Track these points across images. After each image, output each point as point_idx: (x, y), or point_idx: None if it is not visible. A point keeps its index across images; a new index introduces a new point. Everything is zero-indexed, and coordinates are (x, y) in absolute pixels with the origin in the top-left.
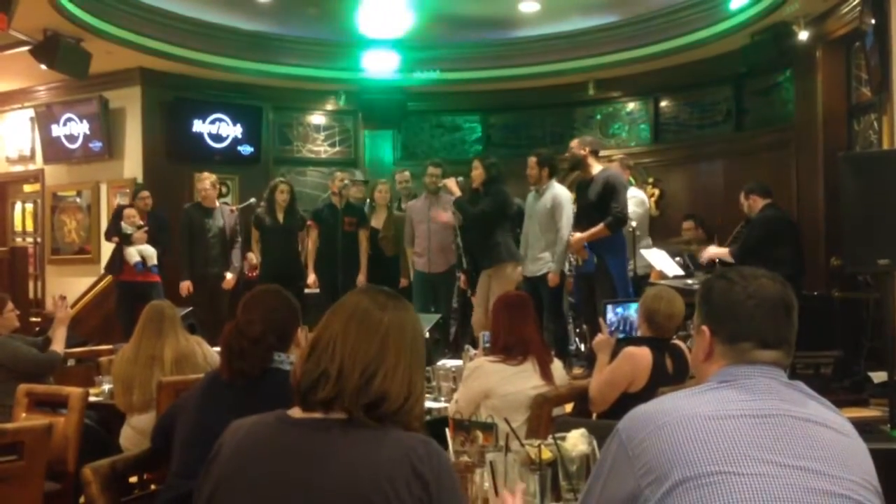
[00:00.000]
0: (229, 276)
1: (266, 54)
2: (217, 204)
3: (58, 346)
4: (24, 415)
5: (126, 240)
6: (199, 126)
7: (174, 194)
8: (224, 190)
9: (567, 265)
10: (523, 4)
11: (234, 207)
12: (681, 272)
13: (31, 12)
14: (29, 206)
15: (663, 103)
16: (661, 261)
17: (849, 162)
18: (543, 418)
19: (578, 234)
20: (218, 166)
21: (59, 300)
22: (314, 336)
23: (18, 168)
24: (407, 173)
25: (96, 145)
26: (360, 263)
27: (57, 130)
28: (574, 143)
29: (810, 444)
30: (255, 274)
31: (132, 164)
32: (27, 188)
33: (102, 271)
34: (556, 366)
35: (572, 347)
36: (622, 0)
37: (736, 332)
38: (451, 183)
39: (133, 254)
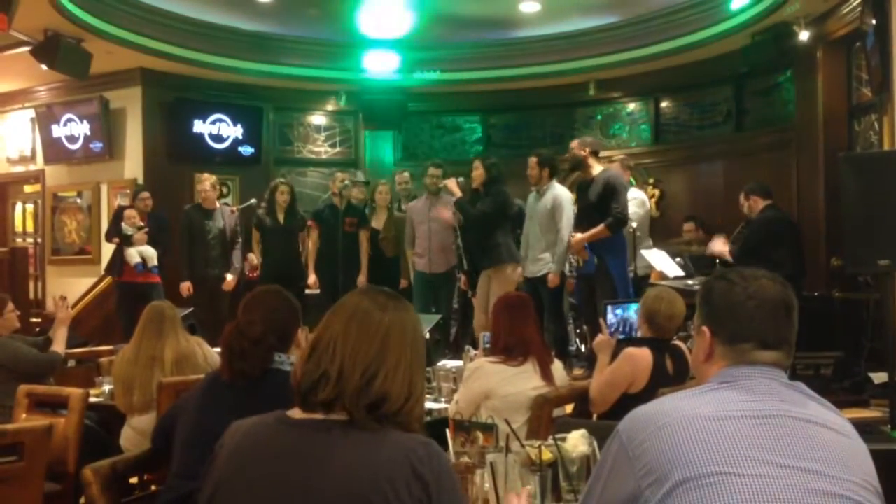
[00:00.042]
0: (229, 277)
1: (267, 54)
2: (217, 205)
3: (58, 346)
4: (24, 415)
5: (126, 241)
6: (199, 126)
7: (175, 195)
8: (224, 191)
9: (568, 266)
10: (524, 5)
11: (234, 208)
12: (681, 273)
13: (32, 12)
14: (29, 207)
15: (664, 104)
16: (661, 261)
17: (849, 162)
18: (544, 419)
19: (579, 235)
20: (218, 167)
21: (59, 300)
22: (314, 337)
23: (19, 168)
24: (406, 174)
25: (97, 146)
26: (361, 264)
27: (57, 131)
28: (574, 143)
29: (811, 444)
30: (255, 274)
31: (133, 164)
32: (28, 188)
33: (103, 272)
34: (557, 367)
35: (572, 348)
36: (622, 0)
37: (736, 333)
38: (452, 183)
39: (133, 255)
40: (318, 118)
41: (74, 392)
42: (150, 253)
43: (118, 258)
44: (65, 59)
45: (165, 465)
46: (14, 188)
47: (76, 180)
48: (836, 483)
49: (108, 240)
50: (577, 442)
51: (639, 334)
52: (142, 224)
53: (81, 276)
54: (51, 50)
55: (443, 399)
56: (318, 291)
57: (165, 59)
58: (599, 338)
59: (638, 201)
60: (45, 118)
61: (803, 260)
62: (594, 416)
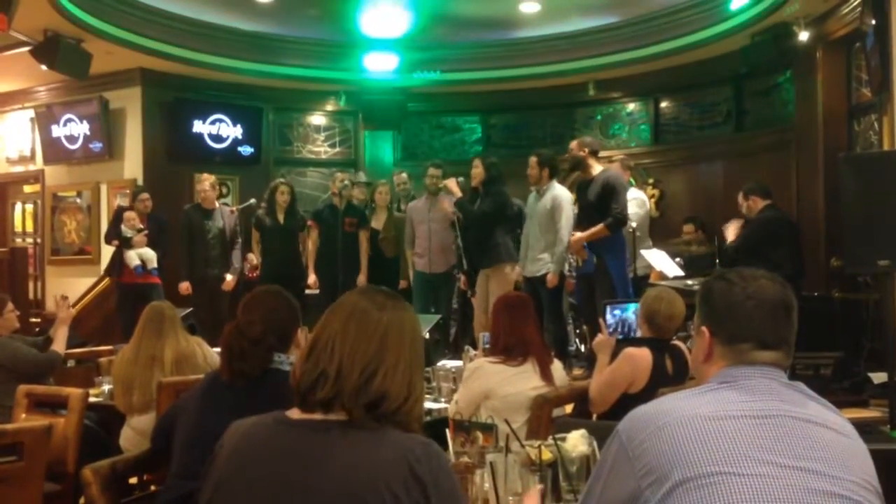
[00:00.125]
0: (229, 277)
1: (266, 55)
2: (217, 205)
3: (58, 346)
4: (23, 415)
5: (126, 243)
6: (199, 127)
7: (174, 195)
8: (224, 191)
9: (567, 266)
10: (523, 5)
11: (233, 208)
12: (681, 273)
13: (32, 13)
14: (29, 207)
15: (663, 104)
16: (661, 261)
17: (849, 163)
18: (543, 419)
19: (578, 234)
20: (218, 167)
21: (61, 300)
22: (313, 336)
23: (19, 168)
24: (404, 175)
25: (96, 146)
26: (361, 264)
27: (57, 131)
28: (573, 144)
29: (810, 444)
30: (255, 275)
31: (132, 164)
32: (27, 189)
33: (102, 273)
34: (556, 366)
35: (572, 348)
36: (622, 0)
37: (735, 333)
38: (452, 183)
39: (133, 257)
40: (317, 118)
41: (74, 392)
42: (150, 255)
43: (118, 259)
44: (65, 60)
45: (165, 465)
46: (14, 188)
47: (76, 180)
48: (836, 483)
49: (108, 242)
50: (576, 442)
51: (638, 334)
52: (141, 227)
53: (81, 276)
54: (51, 50)
55: (442, 399)
56: (317, 291)
57: (165, 59)
58: (599, 338)
59: (638, 201)
60: (45, 118)
61: (803, 260)
62: (594, 416)
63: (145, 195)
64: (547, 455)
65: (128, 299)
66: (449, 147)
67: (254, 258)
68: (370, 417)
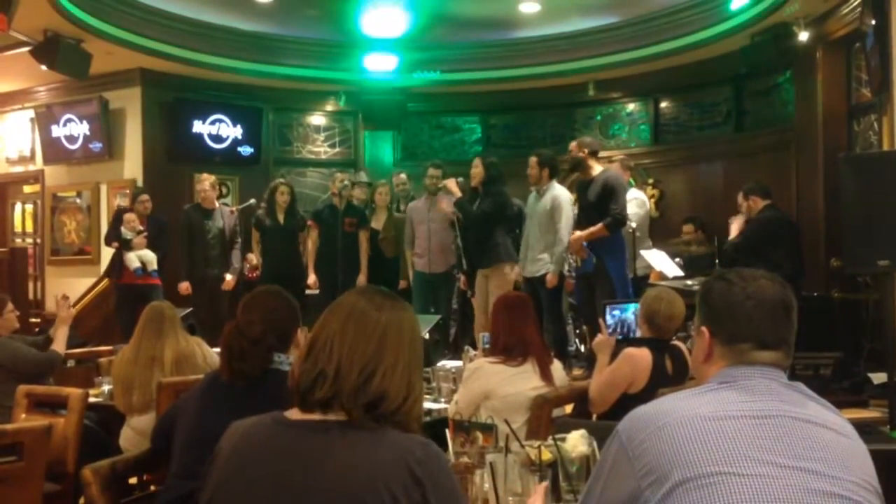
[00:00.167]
0: (229, 277)
1: (266, 55)
2: (216, 205)
3: (59, 345)
4: (23, 415)
5: (126, 245)
6: (199, 127)
7: (174, 195)
8: (224, 191)
9: (567, 266)
10: (523, 5)
11: (233, 208)
12: (680, 273)
13: (32, 13)
14: (29, 207)
15: (663, 104)
16: (660, 262)
17: (849, 163)
18: (543, 419)
19: (577, 233)
20: (218, 167)
21: (61, 299)
22: (311, 336)
23: (18, 169)
24: (403, 175)
25: (96, 146)
26: (361, 264)
27: (57, 131)
28: (573, 145)
29: (810, 444)
30: (255, 275)
31: (132, 164)
32: (27, 189)
33: (102, 274)
34: (556, 367)
35: (572, 348)
36: (622, 1)
37: (735, 334)
38: (452, 184)
39: (133, 259)
40: (317, 118)
41: (74, 392)
42: (150, 257)
43: (118, 261)
44: (64, 60)
45: (165, 465)
46: (13, 188)
47: (75, 180)
48: (836, 483)
49: (108, 244)
50: (576, 442)
51: (638, 334)
52: (141, 228)
53: (81, 276)
54: (51, 50)
55: (442, 399)
56: (317, 291)
57: (165, 59)
58: (599, 338)
59: (637, 202)
60: (45, 118)
61: (802, 260)
62: (594, 417)
63: (145, 196)
64: (547, 455)
65: (127, 301)
66: (449, 147)
67: (254, 258)
68: (369, 417)
